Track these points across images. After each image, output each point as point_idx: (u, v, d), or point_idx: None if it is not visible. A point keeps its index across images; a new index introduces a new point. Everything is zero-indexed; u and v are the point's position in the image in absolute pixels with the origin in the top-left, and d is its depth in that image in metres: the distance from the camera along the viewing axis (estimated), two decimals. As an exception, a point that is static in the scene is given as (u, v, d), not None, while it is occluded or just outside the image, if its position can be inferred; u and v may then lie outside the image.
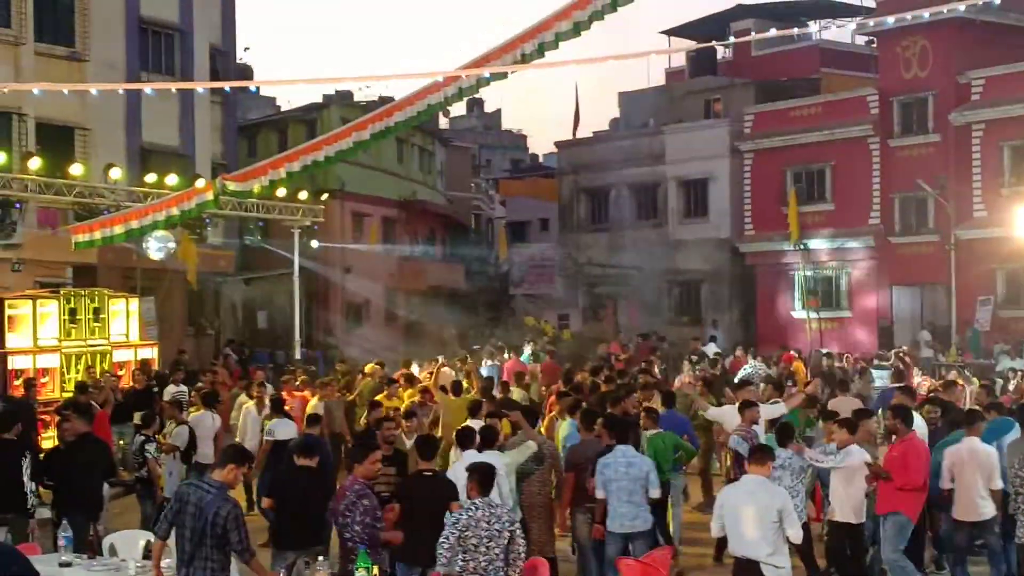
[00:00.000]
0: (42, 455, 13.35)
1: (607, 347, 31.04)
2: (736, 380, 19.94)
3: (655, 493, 11.38)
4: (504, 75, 12.63)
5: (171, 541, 8.82)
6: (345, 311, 38.77)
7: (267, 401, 17.02)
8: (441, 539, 8.90)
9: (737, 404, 14.31)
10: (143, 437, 13.99)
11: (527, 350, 28.60)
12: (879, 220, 35.38)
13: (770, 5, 45.21)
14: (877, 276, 35.60)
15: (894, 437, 11.73)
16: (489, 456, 10.79)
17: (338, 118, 36.16)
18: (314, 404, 17.45)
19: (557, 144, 48.38)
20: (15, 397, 18.25)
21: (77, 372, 20.79)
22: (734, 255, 39.23)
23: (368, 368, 21.18)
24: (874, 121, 35.14)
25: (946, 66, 33.45)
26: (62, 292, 21.90)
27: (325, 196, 31.36)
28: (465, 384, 18.52)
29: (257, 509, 14.37)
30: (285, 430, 14.91)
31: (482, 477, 9.15)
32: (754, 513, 9.34)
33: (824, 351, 28.68)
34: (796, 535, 9.45)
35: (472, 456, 10.95)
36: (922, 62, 34.07)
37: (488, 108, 79.58)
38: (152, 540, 9.24)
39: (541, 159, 73.88)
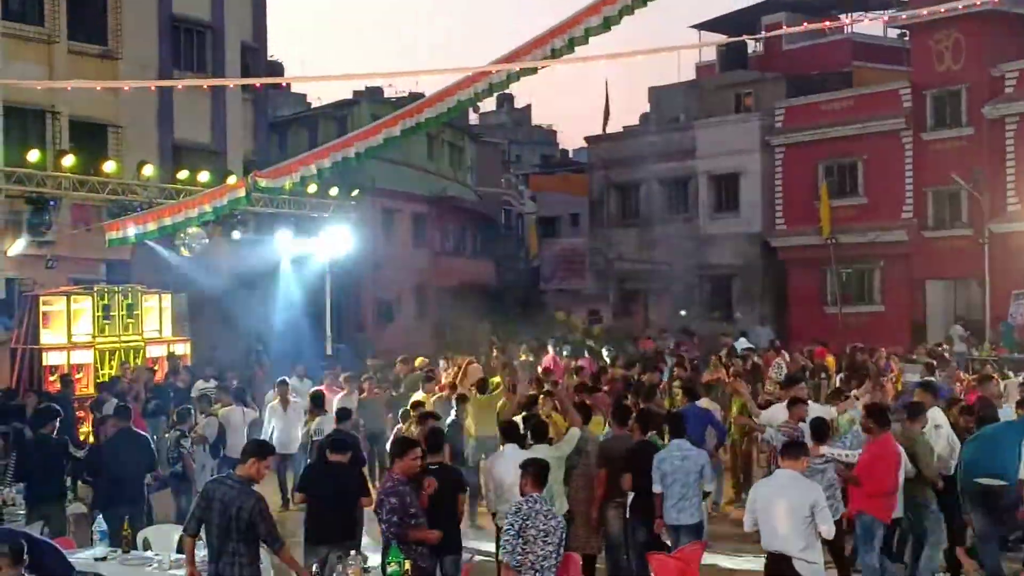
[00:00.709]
0: (83, 451, 13.48)
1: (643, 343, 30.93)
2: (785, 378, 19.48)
3: (709, 487, 11.48)
4: (534, 70, 12.64)
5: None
6: (376, 307, 38.85)
7: (290, 398, 17.20)
8: (506, 526, 8.94)
9: (785, 401, 13.69)
10: (178, 432, 14.10)
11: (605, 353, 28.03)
12: (912, 214, 35.11)
13: (801, -2, 44.88)
14: (910, 270, 35.33)
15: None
16: (538, 450, 10.85)
17: (369, 115, 36.21)
18: (341, 398, 17.51)
19: (587, 139, 48.21)
20: (51, 393, 18.42)
21: (111, 368, 20.97)
22: (765, 250, 38.99)
23: (418, 362, 21.28)
24: (907, 114, 34.86)
25: (979, 59, 33.12)
26: (96, 289, 22.06)
27: (356, 192, 31.41)
28: (496, 380, 18.49)
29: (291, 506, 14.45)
30: (331, 426, 14.96)
31: (537, 473, 9.14)
32: (786, 508, 9.32)
33: (858, 346, 28.42)
34: (828, 531, 9.41)
35: (514, 450, 11.02)
36: (955, 55, 33.76)
37: (518, 104, 79.53)
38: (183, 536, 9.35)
39: (571, 154, 73.63)
